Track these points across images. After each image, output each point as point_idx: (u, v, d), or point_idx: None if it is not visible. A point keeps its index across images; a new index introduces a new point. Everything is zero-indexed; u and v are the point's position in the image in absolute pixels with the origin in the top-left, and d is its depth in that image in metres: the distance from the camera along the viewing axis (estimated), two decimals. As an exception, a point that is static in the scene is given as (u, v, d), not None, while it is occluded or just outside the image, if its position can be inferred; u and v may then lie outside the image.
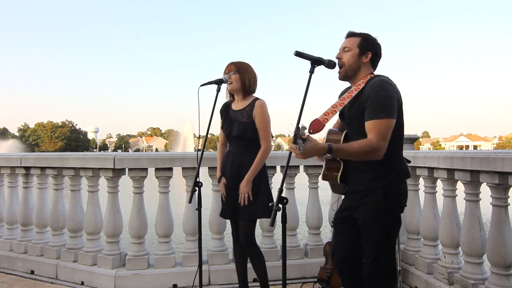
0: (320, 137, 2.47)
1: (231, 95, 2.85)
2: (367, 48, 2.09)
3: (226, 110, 2.84)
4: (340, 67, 2.11)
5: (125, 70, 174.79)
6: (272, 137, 2.89)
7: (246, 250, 2.76)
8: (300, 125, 1.73)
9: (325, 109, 2.01)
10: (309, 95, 1.87)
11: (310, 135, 1.81)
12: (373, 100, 1.93)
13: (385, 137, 1.90)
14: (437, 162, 2.87)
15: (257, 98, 2.73)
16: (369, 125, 1.93)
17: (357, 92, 2.02)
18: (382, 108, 1.91)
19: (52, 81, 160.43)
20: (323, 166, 2.16)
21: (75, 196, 3.63)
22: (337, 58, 2.12)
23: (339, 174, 2.06)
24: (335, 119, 2.32)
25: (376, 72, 2.14)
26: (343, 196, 2.31)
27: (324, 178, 2.19)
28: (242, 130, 2.67)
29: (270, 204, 1.86)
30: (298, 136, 1.71)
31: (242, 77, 2.69)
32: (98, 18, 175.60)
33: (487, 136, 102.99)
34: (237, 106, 2.79)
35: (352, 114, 2.07)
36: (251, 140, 2.68)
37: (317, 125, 1.87)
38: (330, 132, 2.21)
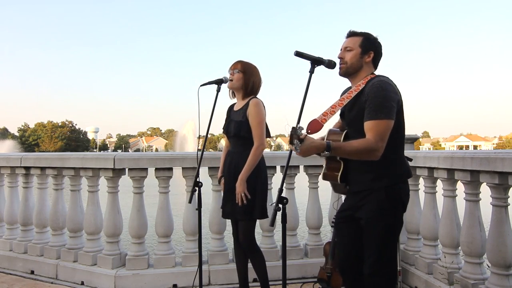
0: (320, 136, 2.46)
1: (233, 93, 2.85)
2: (369, 47, 2.08)
3: (229, 111, 2.87)
4: (342, 64, 2.10)
5: (125, 70, 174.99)
6: (272, 137, 2.90)
7: (246, 250, 2.76)
8: (297, 126, 1.73)
9: (325, 109, 2.01)
10: (309, 95, 1.88)
11: (308, 135, 1.81)
12: (372, 101, 1.93)
13: (383, 138, 1.90)
14: (437, 162, 2.87)
15: (253, 97, 2.71)
16: (367, 125, 1.93)
17: (356, 92, 2.02)
18: (381, 108, 1.91)
19: (52, 81, 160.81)
20: (324, 165, 2.16)
21: (75, 196, 3.63)
22: (339, 58, 2.10)
23: (339, 174, 2.06)
24: (335, 119, 2.31)
25: (376, 72, 2.14)
26: (344, 196, 2.31)
27: (324, 178, 2.19)
28: (236, 128, 2.67)
29: (270, 204, 1.87)
30: (295, 136, 1.72)
31: (246, 78, 2.69)
32: (98, 18, 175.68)
33: (487, 136, 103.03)
34: (237, 106, 2.80)
35: (353, 116, 2.07)
36: (246, 138, 2.66)
37: (315, 126, 1.87)
38: (330, 132, 2.21)
